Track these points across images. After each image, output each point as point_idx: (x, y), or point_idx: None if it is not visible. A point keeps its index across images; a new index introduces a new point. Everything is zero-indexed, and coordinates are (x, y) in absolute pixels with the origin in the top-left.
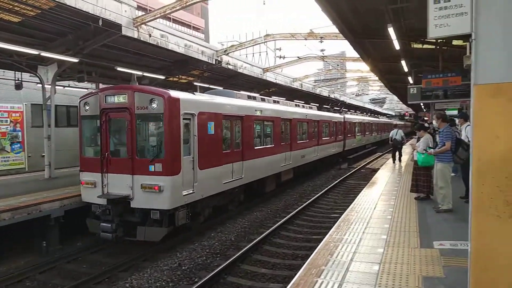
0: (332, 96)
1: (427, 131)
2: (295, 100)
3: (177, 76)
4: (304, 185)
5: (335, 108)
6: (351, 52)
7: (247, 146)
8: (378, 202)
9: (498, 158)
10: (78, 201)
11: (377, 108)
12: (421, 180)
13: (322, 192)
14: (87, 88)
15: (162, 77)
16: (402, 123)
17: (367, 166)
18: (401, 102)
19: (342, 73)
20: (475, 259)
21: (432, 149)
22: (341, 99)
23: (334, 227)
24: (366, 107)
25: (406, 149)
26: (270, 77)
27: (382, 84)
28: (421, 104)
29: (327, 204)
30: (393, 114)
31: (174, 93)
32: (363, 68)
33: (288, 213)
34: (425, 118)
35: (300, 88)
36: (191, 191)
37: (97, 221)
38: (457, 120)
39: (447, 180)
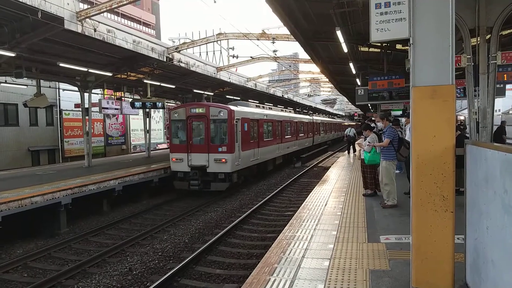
0: (285, 96)
1: (372, 130)
2: (249, 100)
3: (126, 73)
4: (260, 184)
5: (304, 110)
6: (303, 53)
7: (261, 138)
8: (329, 199)
9: (434, 156)
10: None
11: (329, 109)
12: (367, 178)
13: (277, 191)
14: (26, 85)
15: (109, 74)
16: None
17: (319, 165)
18: (350, 103)
19: (295, 74)
20: (416, 251)
21: (370, 143)
22: (294, 99)
23: (287, 225)
24: (322, 109)
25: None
26: (224, 76)
27: (332, 85)
28: (369, 104)
29: (282, 202)
30: (344, 114)
31: (232, 107)
32: (315, 69)
33: (244, 212)
34: (373, 118)
35: (254, 88)
36: (238, 163)
37: (181, 182)
38: (403, 119)
39: (392, 177)
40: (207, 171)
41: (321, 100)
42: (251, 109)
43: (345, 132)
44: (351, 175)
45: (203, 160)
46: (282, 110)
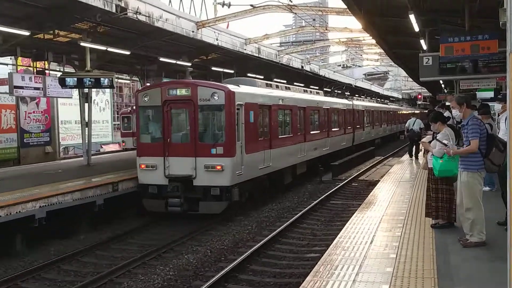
0: (306, 68)
1: (446, 123)
2: (249, 75)
3: (52, 32)
4: (267, 208)
5: (336, 91)
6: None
7: (274, 135)
8: (376, 233)
9: None
10: None
11: (376, 88)
12: (439, 199)
13: (294, 218)
14: None
15: (26, 33)
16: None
17: (362, 178)
18: (410, 79)
19: (322, 33)
20: None
21: (451, 145)
22: (321, 72)
23: (310, 274)
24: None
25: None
26: (208, 36)
27: (382, 50)
28: (440, 81)
29: (301, 237)
30: (400, 97)
31: (231, 86)
32: (353, 25)
33: (240, 253)
34: (447, 103)
35: (256, 55)
36: (241, 172)
37: (155, 200)
38: (496, 105)
39: (477, 198)
40: (194, 184)
41: (364, 75)
42: (260, 90)
43: (406, 125)
44: (413, 195)
45: (187, 167)
46: (305, 91)
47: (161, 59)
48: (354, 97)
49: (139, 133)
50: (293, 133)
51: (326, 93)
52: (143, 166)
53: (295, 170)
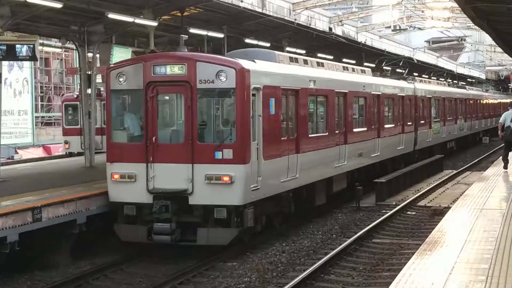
0: (336, 30)
1: None
2: (247, 41)
3: None
4: (272, 250)
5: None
6: None
7: (302, 133)
8: None
9: None
10: None
11: (444, 63)
12: None
13: (314, 267)
14: None
15: None
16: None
17: (422, 203)
18: (499, 49)
19: None
20: None
21: None
22: (359, 39)
23: None
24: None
25: None
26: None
27: (454, 4)
28: None
29: None
30: (484, 78)
31: (242, 62)
32: None
33: None
34: None
35: (258, 11)
36: (257, 186)
37: (132, 225)
38: None
39: None
40: (190, 203)
41: (428, 42)
42: (283, 67)
43: (501, 121)
44: (503, 230)
45: (180, 178)
46: (345, 69)
47: (110, 15)
48: (415, 78)
49: (110, 129)
50: (329, 132)
51: (374, 72)
52: (116, 176)
53: (331, 186)
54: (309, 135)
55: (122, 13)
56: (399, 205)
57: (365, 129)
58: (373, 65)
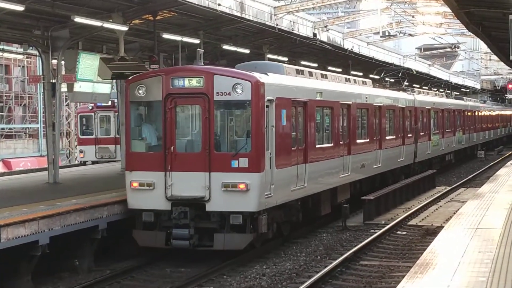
0: (322, 37)
1: None
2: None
3: None
4: (252, 274)
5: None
6: None
7: (310, 143)
8: None
9: None
10: None
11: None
12: None
13: None
14: None
15: None
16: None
17: (413, 222)
18: (495, 57)
19: None
20: None
21: None
22: (346, 45)
23: None
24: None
25: None
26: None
27: (447, 8)
28: None
29: None
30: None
31: (257, 75)
32: None
33: None
34: None
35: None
36: (270, 194)
37: (151, 231)
38: None
39: None
40: (207, 210)
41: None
42: (292, 79)
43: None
44: (499, 252)
45: (198, 186)
46: (347, 81)
47: (77, 19)
48: (414, 89)
49: (129, 139)
50: (334, 142)
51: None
52: (135, 184)
53: (335, 196)
54: (317, 146)
55: (89, 17)
56: (388, 224)
57: (368, 140)
58: (361, 74)
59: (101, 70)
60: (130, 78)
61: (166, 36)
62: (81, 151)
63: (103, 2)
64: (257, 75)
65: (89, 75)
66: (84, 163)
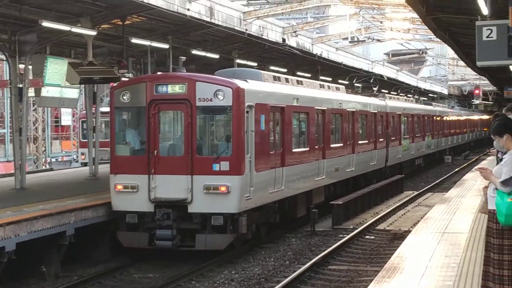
0: (291, 42)
1: None
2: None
3: None
4: (220, 279)
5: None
6: None
7: (287, 148)
8: None
9: None
10: None
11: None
12: (504, 264)
13: None
14: None
15: None
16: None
17: (381, 227)
18: (462, 63)
19: None
20: None
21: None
22: (315, 50)
23: None
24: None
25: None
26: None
27: (415, 15)
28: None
29: None
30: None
31: (238, 82)
32: None
33: None
34: None
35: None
36: (250, 196)
37: (134, 232)
38: None
39: None
40: (189, 211)
41: (387, 55)
42: (270, 86)
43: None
44: (465, 256)
45: (180, 188)
46: (321, 87)
47: (44, 23)
48: (385, 95)
49: (114, 143)
50: (310, 147)
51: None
52: (119, 187)
53: (311, 199)
54: (293, 150)
55: (57, 21)
56: (357, 229)
57: (341, 145)
58: (329, 79)
59: (69, 75)
60: (115, 84)
61: (135, 41)
62: (82, 154)
63: (71, 7)
64: (238, 82)
65: (57, 80)
66: (51, 169)
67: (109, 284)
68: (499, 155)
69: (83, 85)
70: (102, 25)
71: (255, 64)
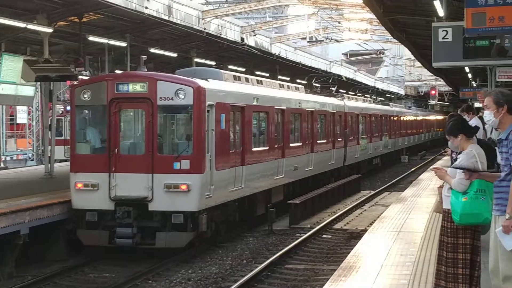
0: (250, 41)
1: (471, 136)
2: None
3: None
4: (177, 279)
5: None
6: None
7: (247, 147)
8: None
9: None
10: None
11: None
12: (458, 262)
13: None
14: None
15: None
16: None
17: (338, 226)
18: (418, 64)
19: None
20: None
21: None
22: (273, 50)
23: None
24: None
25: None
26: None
27: (373, 15)
28: (466, 69)
29: None
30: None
31: (199, 81)
32: None
33: None
34: (480, 104)
35: (164, 18)
36: (210, 194)
37: (94, 231)
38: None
39: None
40: (150, 209)
41: (345, 55)
42: (230, 85)
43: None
44: (420, 255)
45: (141, 187)
46: (281, 87)
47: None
48: (344, 95)
49: (74, 142)
50: (269, 146)
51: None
52: (79, 185)
53: (270, 197)
54: (253, 149)
55: (12, 18)
56: (314, 228)
57: (300, 144)
58: (288, 78)
59: (24, 72)
60: (75, 83)
61: (92, 38)
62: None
63: (27, 3)
64: (199, 81)
65: (12, 77)
66: (6, 168)
67: (64, 284)
68: (454, 155)
69: (39, 83)
70: (59, 22)
71: (213, 63)
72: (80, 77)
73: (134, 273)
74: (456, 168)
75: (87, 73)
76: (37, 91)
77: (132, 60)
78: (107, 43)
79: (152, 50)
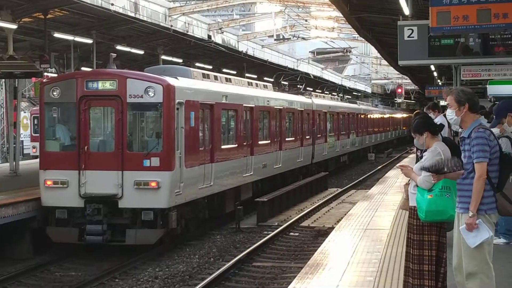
0: (217, 39)
1: (436, 133)
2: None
3: None
4: (144, 277)
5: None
6: None
7: (216, 144)
8: None
9: None
10: None
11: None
12: (424, 258)
13: None
14: None
15: None
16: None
17: (305, 224)
18: (385, 62)
19: None
20: None
21: (429, 168)
22: (241, 47)
23: None
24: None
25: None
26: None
27: (339, 14)
28: (431, 67)
29: None
30: (368, 90)
31: (169, 79)
32: None
33: None
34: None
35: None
36: (180, 191)
37: (64, 228)
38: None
39: (485, 256)
40: (120, 207)
41: (312, 53)
42: (199, 83)
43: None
44: (386, 252)
45: (110, 184)
46: (249, 85)
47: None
48: (312, 93)
49: (43, 139)
50: (238, 143)
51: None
52: (49, 182)
53: (239, 195)
54: (222, 147)
55: None
56: (281, 226)
57: (269, 141)
58: (255, 76)
59: None
60: (45, 80)
61: (57, 35)
62: (33, 147)
63: None
64: (168, 79)
65: None
66: (37, 157)
67: (29, 283)
68: (419, 153)
69: (3, 80)
70: (23, 18)
71: (180, 60)
72: (45, 74)
73: (101, 271)
74: (424, 170)
75: (53, 70)
76: (2, 88)
77: (99, 57)
78: (73, 40)
79: (119, 47)
